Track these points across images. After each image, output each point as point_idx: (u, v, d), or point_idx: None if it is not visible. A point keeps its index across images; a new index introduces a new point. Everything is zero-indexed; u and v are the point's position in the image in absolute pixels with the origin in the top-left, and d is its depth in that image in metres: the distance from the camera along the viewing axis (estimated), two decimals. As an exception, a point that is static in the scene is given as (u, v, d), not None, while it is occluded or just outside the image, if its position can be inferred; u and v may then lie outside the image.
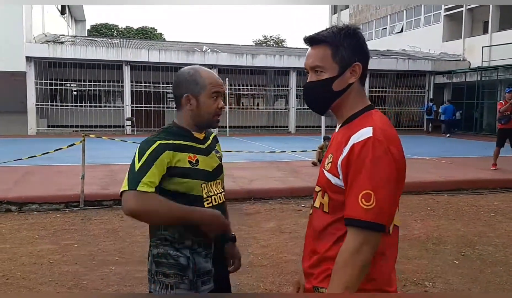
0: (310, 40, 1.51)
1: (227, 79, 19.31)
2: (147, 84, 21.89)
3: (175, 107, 1.98)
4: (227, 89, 19.50)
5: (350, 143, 1.38)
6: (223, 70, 21.71)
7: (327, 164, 1.48)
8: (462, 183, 8.59)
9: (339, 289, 1.35)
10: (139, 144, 1.82)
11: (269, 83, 25.35)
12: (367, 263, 1.35)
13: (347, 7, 38.48)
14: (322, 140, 11.22)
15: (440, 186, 8.38)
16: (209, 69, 1.98)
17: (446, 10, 26.83)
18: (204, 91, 1.87)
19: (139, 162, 1.73)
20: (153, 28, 44.68)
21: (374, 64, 24.15)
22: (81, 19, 37.95)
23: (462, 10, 25.46)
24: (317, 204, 1.54)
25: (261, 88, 25.11)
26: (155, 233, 1.88)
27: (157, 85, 21.95)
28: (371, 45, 32.92)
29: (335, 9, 40.29)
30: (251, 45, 38.25)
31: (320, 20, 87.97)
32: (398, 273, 4.48)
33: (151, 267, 1.89)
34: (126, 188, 1.70)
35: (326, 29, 1.51)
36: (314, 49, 1.50)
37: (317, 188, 1.54)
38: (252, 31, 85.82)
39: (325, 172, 1.48)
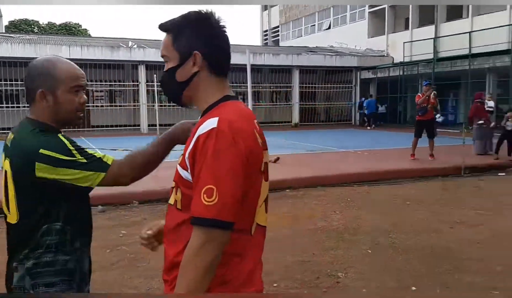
0: (160, 28, 1.44)
1: (155, 75, 18.72)
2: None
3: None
4: (155, 86, 18.95)
5: (196, 134, 1.29)
6: (151, 66, 21.09)
7: (180, 157, 1.38)
8: (382, 173, 8.83)
9: (182, 291, 1.23)
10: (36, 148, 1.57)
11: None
12: (212, 263, 1.23)
13: (277, 3, 38.85)
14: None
15: (361, 178, 8.55)
16: (68, 60, 1.76)
17: (370, 7, 27.84)
18: (62, 85, 1.68)
19: (76, 155, 1.59)
20: (78, 24, 42.67)
21: (303, 60, 24.65)
22: (-4, 14, 35.42)
23: (385, 7, 26.53)
24: (171, 201, 1.41)
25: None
26: (28, 244, 1.65)
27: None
28: (301, 41, 33.55)
29: (265, 6, 40.66)
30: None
31: (252, 17, 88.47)
32: (315, 265, 4.47)
33: (22, 283, 1.66)
34: (102, 174, 1.61)
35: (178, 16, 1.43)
36: (164, 38, 1.43)
37: (173, 184, 1.42)
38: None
39: (178, 166, 1.38)
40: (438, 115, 21.33)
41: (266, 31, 41.04)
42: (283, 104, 26.60)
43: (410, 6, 24.67)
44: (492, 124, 11.42)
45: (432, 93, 10.30)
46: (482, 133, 11.15)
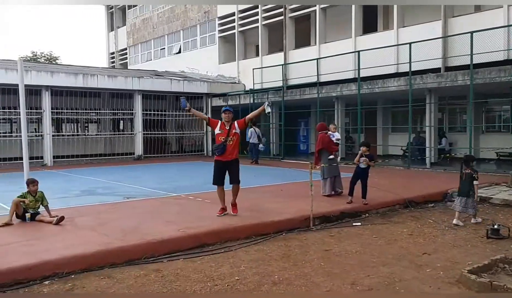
0: None
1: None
2: None
3: None
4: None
5: None
6: None
7: None
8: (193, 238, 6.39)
9: None
10: None
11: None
12: None
13: (124, 24, 35.66)
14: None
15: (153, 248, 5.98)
16: None
17: (220, 31, 26.39)
18: None
19: None
20: None
21: (147, 84, 21.93)
22: None
23: (235, 33, 25.26)
24: None
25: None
26: None
27: None
28: (150, 65, 30.79)
29: (112, 27, 37.23)
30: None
31: (97, 37, 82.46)
32: None
33: None
34: None
35: None
36: None
37: None
38: (17, 46, 74.43)
39: None
40: (260, 145, 20.48)
41: (113, 53, 37.43)
42: (126, 133, 23.43)
43: (260, 33, 23.72)
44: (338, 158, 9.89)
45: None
46: (332, 170, 9.59)
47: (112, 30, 37.33)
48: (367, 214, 8.45)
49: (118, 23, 36.64)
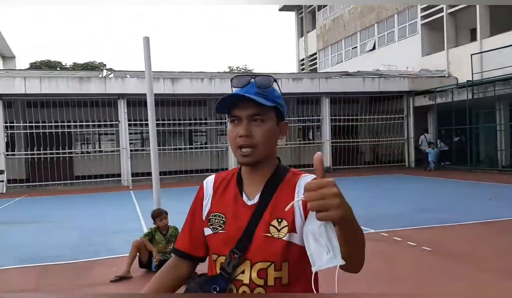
0: None
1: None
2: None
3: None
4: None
5: None
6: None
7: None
8: None
9: None
10: None
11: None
12: None
13: (314, 27, 33.71)
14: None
15: None
16: None
17: (423, 18, 21.89)
18: None
19: None
20: (102, 62, 39.73)
21: (335, 85, 19.10)
22: (9, 55, 33.06)
23: (443, 16, 20.51)
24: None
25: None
26: None
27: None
28: (341, 67, 27.98)
29: (302, 32, 35.80)
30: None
31: (288, 45, 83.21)
32: None
33: None
34: None
35: None
36: None
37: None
38: (215, 62, 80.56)
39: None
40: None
41: (303, 60, 35.89)
42: (308, 143, 20.97)
43: (478, 11, 18.56)
44: None
45: None
46: None
47: (302, 35, 35.85)
48: None
49: (308, 27, 34.94)
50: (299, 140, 21.87)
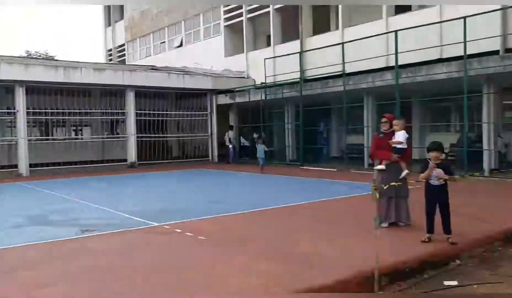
0: None
1: None
2: None
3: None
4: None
5: None
6: None
7: None
8: None
9: None
10: None
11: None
12: None
13: (122, 18, 32.69)
14: None
15: None
16: None
17: (226, 20, 23.24)
18: None
19: None
20: None
21: (140, 79, 18.92)
22: None
23: (242, 20, 22.12)
24: None
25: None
26: None
27: None
28: (149, 61, 27.69)
29: (109, 22, 34.37)
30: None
31: (95, 34, 78.20)
32: None
33: None
34: None
35: None
36: None
37: None
38: (9, 46, 70.94)
39: None
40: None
41: (111, 50, 34.50)
42: (116, 137, 20.42)
43: (271, 19, 20.55)
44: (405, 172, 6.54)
45: None
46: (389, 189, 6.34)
47: (109, 25, 34.41)
48: (458, 261, 5.26)
49: (116, 17, 33.72)
50: (107, 134, 21.07)
